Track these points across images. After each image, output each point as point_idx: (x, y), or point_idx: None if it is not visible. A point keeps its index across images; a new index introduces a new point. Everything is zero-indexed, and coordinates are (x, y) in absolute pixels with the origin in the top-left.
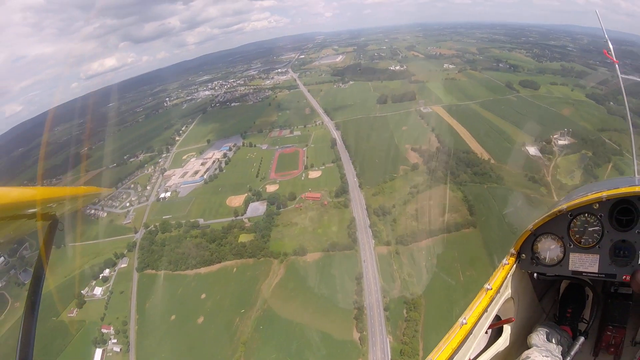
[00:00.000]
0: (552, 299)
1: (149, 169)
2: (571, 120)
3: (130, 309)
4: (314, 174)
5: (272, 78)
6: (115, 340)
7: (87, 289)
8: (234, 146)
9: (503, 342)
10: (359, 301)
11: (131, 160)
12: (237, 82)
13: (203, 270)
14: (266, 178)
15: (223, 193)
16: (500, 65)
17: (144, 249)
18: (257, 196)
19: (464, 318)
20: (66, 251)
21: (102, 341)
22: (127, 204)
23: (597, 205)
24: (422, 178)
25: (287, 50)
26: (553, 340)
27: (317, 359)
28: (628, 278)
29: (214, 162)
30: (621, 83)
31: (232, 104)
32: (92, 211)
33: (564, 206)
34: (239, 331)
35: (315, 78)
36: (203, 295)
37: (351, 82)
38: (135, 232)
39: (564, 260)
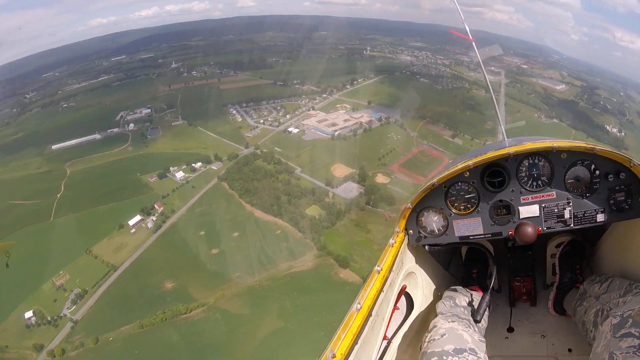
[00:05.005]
0: (458, 265)
1: (303, 101)
2: None
3: (185, 204)
4: None
5: (480, 72)
6: (154, 219)
7: (176, 167)
8: (386, 118)
9: (415, 316)
10: None
11: (297, 86)
12: (444, 60)
13: (258, 213)
14: (386, 166)
15: (336, 156)
16: None
17: (239, 164)
18: (361, 179)
19: (358, 303)
20: (193, 132)
21: (148, 213)
22: (261, 121)
23: (468, 173)
24: None
25: (512, 54)
26: (460, 303)
27: None
28: (512, 233)
29: (355, 123)
30: (479, 57)
31: (421, 79)
32: (234, 111)
33: (434, 180)
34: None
35: (522, 95)
36: (236, 234)
37: (555, 120)
38: (246, 148)
39: (448, 229)
